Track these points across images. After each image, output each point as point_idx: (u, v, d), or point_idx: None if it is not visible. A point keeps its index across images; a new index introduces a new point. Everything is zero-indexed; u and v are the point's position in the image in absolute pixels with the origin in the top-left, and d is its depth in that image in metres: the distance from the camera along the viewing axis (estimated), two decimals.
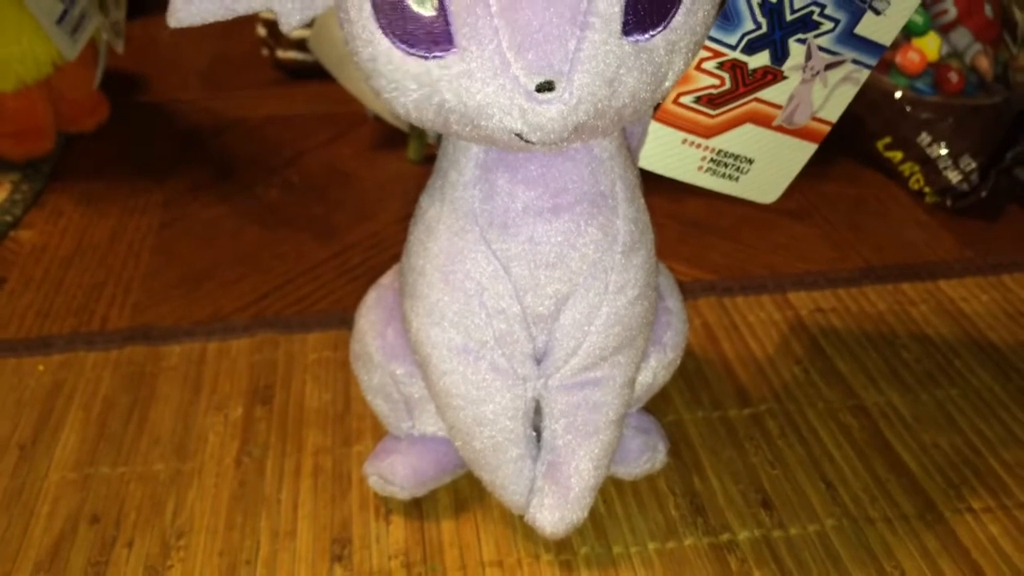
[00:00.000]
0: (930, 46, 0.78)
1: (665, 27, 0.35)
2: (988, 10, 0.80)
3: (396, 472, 0.49)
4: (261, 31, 1.05)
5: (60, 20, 0.80)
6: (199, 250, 0.75)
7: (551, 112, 0.34)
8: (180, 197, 0.83)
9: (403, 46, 0.35)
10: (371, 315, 0.49)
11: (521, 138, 0.35)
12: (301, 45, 1.01)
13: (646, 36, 0.35)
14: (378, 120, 0.91)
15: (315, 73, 0.96)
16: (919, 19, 0.78)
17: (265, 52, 1.07)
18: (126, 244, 0.76)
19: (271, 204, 0.82)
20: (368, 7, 0.35)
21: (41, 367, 0.61)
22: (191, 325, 0.65)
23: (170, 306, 0.68)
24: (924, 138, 0.78)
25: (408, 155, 0.87)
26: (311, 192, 0.83)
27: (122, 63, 1.01)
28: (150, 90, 1.04)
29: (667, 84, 0.38)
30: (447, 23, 0.34)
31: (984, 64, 0.78)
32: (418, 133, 0.85)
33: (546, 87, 0.34)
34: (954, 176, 0.77)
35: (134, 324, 0.66)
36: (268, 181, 0.85)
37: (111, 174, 0.86)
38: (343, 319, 0.64)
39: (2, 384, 0.60)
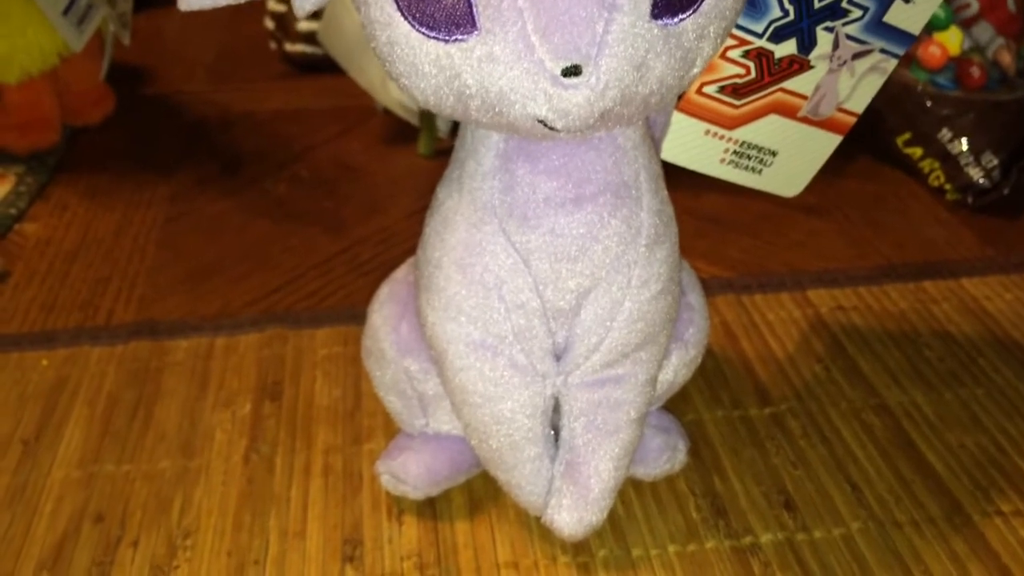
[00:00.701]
0: (952, 40, 0.76)
1: (695, 11, 0.34)
2: (1011, 4, 0.78)
3: (409, 471, 0.48)
4: (269, 24, 1.04)
5: (66, 11, 0.79)
6: (206, 244, 0.74)
7: (577, 98, 0.33)
8: (187, 191, 0.81)
9: (423, 29, 0.34)
10: (384, 310, 0.48)
11: (545, 125, 0.34)
12: (309, 38, 1.00)
13: (675, 20, 0.34)
14: (388, 114, 0.90)
15: (323, 66, 0.95)
16: (941, 13, 0.76)
17: (273, 45, 1.05)
18: (131, 238, 0.75)
19: (279, 198, 0.80)
20: None
21: (45, 362, 0.60)
22: (198, 320, 0.64)
23: (176, 301, 0.67)
24: (945, 134, 0.77)
25: (419, 149, 0.85)
26: (320, 186, 0.82)
27: (129, 55, 0.99)
28: (157, 82, 1.03)
29: (695, 70, 0.36)
30: (469, 5, 0.32)
31: (1006, 59, 0.77)
32: (429, 127, 0.83)
33: (572, 71, 0.32)
34: (975, 173, 0.76)
35: (139, 319, 0.65)
36: (276, 175, 0.84)
37: (117, 167, 0.85)
38: (353, 314, 0.63)
39: (5, 379, 0.59)
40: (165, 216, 0.78)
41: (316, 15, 0.85)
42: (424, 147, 0.85)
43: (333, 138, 0.90)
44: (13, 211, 0.77)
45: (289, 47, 1.03)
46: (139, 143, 0.90)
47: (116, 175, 0.84)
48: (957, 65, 0.77)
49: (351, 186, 0.82)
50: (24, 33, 0.79)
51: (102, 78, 0.91)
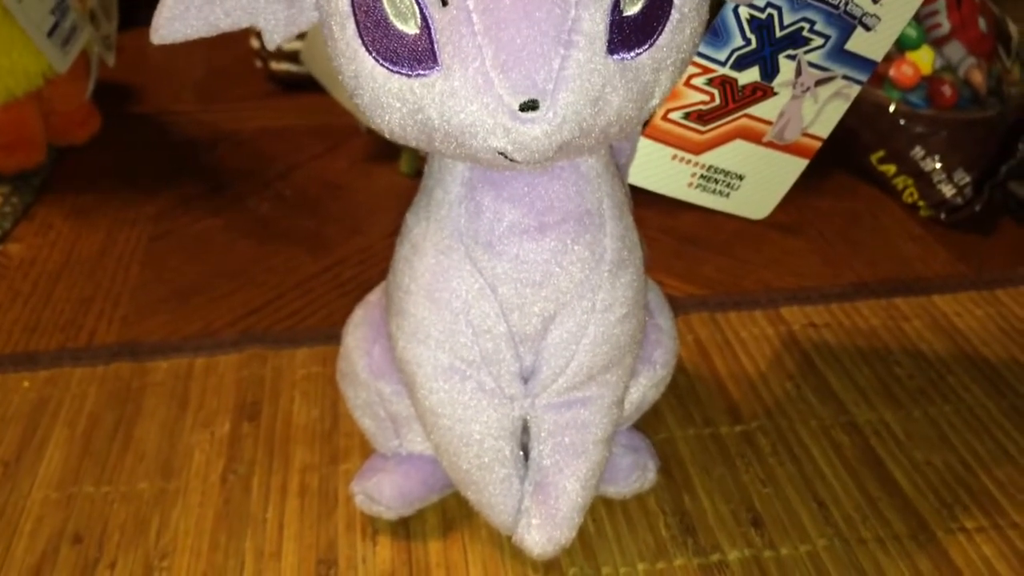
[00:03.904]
0: (923, 60, 0.77)
1: (651, 45, 0.35)
2: (982, 24, 0.79)
3: (383, 491, 0.49)
4: (255, 43, 1.05)
5: (51, 33, 0.80)
6: (189, 264, 0.74)
7: (535, 131, 0.33)
8: (171, 210, 0.82)
9: (386, 64, 0.35)
10: (358, 333, 0.49)
11: (505, 156, 0.35)
12: (294, 57, 1.01)
13: (632, 54, 0.35)
14: (371, 133, 0.91)
15: (308, 85, 0.96)
16: (912, 33, 0.77)
17: (258, 64, 1.06)
18: (115, 258, 0.75)
19: (263, 217, 0.81)
20: (351, 25, 0.35)
21: (26, 383, 0.61)
22: (179, 340, 0.65)
23: (159, 320, 0.67)
24: (918, 151, 0.78)
25: (401, 168, 0.86)
26: (303, 205, 0.83)
27: (114, 74, 1.00)
28: (142, 102, 1.04)
29: (654, 102, 0.37)
30: (431, 41, 0.33)
31: (978, 78, 0.78)
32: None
33: (530, 106, 0.33)
34: (948, 190, 0.77)
35: (122, 339, 0.65)
36: (261, 194, 0.85)
37: (102, 187, 0.86)
38: (331, 334, 0.63)
39: None
40: (149, 235, 0.79)
41: (300, 35, 0.86)
42: (406, 166, 0.86)
43: (317, 156, 0.91)
44: None
45: (274, 66, 1.04)
46: (124, 162, 0.91)
47: (101, 195, 0.85)
48: (929, 84, 0.78)
49: (334, 205, 0.83)
50: (8, 55, 0.79)
51: (87, 98, 0.92)
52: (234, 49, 1.09)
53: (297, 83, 1.02)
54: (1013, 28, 0.83)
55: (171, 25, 0.36)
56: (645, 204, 0.47)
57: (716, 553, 0.48)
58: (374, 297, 0.50)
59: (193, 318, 0.68)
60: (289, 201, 0.84)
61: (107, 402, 0.59)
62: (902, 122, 0.78)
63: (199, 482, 0.53)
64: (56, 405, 0.59)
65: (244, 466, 0.54)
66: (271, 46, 0.39)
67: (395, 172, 0.86)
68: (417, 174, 0.85)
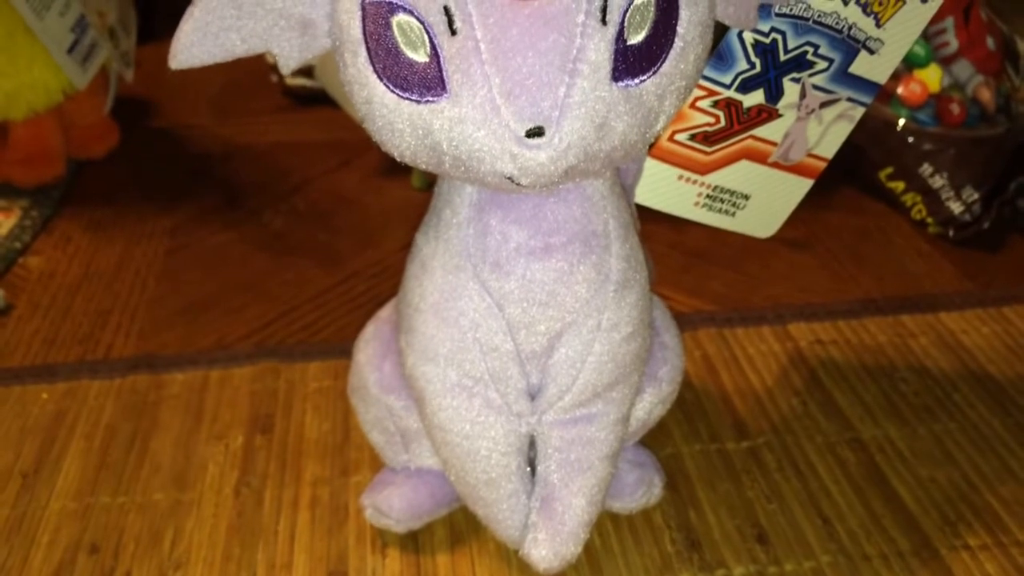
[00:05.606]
0: (932, 77, 0.78)
1: (655, 72, 0.36)
2: (990, 42, 0.80)
3: (392, 505, 0.50)
4: (270, 57, 1.06)
5: (71, 50, 0.82)
6: (205, 277, 0.75)
7: (541, 157, 0.34)
8: (187, 224, 0.83)
9: (397, 90, 0.36)
10: (369, 349, 0.50)
11: (512, 181, 0.36)
12: (309, 72, 1.02)
13: (636, 81, 0.35)
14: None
15: (323, 99, 0.97)
16: (921, 51, 0.78)
17: (274, 78, 1.08)
18: (133, 271, 0.77)
19: (278, 231, 0.82)
20: (363, 52, 0.36)
21: (45, 395, 0.62)
22: (194, 353, 0.66)
23: (175, 333, 0.69)
24: (926, 169, 0.78)
25: (413, 182, 0.87)
26: (317, 219, 0.84)
27: (132, 88, 1.02)
28: (160, 116, 1.06)
29: (658, 127, 0.38)
30: (440, 69, 0.34)
31: (986, 96, 0.78)
32: None
33: (536, 133, 0.34)
34: (956, 207, 0.77)
35: (138, 352, 0.66)
36: (275, 208, 0.86)
37: (120, 200, 0.87)
38: (343, 348, 0.64)
39: (6, 412, 0.61)
40: (166, 249, 0.80)
41: None
42: (418, 180, 0.87)
43: (331, 170, 0.92)
44: (18, 244, 0.79)
45: (289, 80, 1.05)
46: (142, 176, 0.92)
47: (119, 208, 0.86)
48: (937, 102, 0.78)
49: (347, 218, 0.84)
50: (30, 71, 0.81)
51: (106, 113, 0.93)
52: (249, 63, 1.10)
53: (311, 97, 1.04)
54: (1022, 46, 0.83)
55: (189, 51, 0.37)
56: (653, 219, 0.48)
57: (721, 568, 0.49)
58: (385, 313, 0.51)
59: (208, 331, 0.69)
60: (303, 215, 0.85)
61: (124, 414, 0.60)
62: (910, 139, 0.79)
63: (213, 494, 0.54)
64: (74, 417, 0.60)
65: (257, 479, 0.55)
66: (286, 71, 0.40)
67: (407, 186, 0.87)
68: (429, 188, 0.85)
